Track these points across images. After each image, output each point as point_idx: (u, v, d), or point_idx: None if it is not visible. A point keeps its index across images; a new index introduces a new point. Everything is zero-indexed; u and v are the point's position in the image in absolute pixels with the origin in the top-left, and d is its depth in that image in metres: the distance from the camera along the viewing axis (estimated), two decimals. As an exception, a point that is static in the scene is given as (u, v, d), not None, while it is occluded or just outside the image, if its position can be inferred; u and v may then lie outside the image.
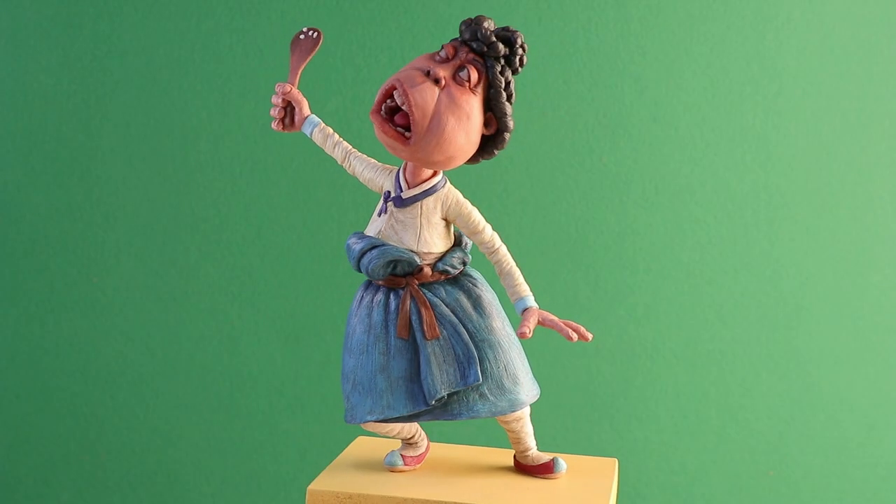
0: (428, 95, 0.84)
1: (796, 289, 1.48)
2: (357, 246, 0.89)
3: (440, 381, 0.88)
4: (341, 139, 0.94)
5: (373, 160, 0.93)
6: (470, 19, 0.87)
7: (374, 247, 0.88)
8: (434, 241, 0.90)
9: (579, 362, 1.52)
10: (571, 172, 1.49)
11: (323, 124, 0.94)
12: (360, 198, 1.49)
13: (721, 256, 1.48)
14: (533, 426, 0.95)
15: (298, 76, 0.95)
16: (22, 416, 1.59)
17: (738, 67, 1.45)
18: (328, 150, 0.94)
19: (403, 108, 0.85)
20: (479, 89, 0.86)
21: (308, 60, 0.95)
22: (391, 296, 0.90)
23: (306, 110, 0.94)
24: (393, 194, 0.89)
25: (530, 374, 0.92)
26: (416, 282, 0.89)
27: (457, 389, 0.88)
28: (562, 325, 0.87)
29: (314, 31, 0.96)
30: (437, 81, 0.85)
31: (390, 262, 0.88)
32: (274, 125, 0.95)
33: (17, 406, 1.59)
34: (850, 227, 1.47)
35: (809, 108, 1.46)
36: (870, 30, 1.44)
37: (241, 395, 1.56)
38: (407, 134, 0.85)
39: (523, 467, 0.96)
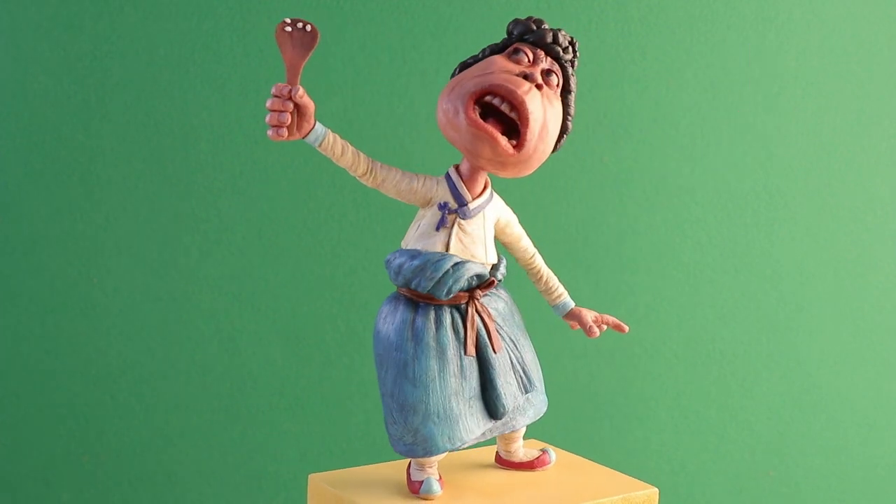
0: (537, 103, 0.79)
1: (796, 289, 1.48)
2: (443, 263, 0.81)
3: (508, 393, 0.85)
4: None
5: (402, 171, 0.83)
6: (538, 21, 0.84)
7: (457, 263, 0.82)
8: (493, 252, 0.86)
9: (579, 362, 1.51)
10: (572, 172, 1.49)
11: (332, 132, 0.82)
12: (360, 198, 1.48)
13: (721, 256, 1.48)
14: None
15: (300, 75, 0.79)
16: (22, 416, 1.59)
17: (738, 67, 1.45)
18: (347, 159, 0.81)
19: (511, 115, 0.79)
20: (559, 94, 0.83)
21: (308, 58, 0.79)
22: (452, 313, 0.83)
23: (313, 117, 0.80)
24: (454, 205, 0.82)
25: None
26: (480, 294, 0.84)
27: (518, 400, 0.86)
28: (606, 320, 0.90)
29: (305, 23, 0.79)
30: (538, 87, 0.80)
31: (471, 277, 0.83)
32: (276, 134, 0.78)
33: (17, 406, 1.59)
34: (850, 227, 1.47)
35: (809, 108, 1.45)
36: (870, 30, 1.43)
37: (241, 395, 1.56)
38: (513, 143, 0.79)
39: (512, 464, 0.93)
